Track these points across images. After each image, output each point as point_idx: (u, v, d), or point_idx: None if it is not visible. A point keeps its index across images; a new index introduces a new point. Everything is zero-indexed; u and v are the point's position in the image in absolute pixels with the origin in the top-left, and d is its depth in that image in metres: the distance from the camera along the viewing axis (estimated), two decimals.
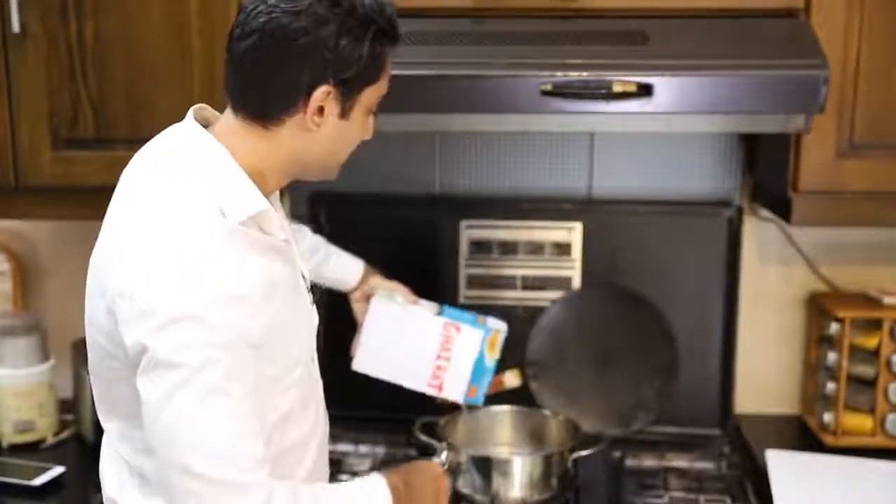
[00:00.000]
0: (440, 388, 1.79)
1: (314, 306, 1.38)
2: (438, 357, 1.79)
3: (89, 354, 1.28)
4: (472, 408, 1.86)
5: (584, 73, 1.53)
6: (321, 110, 1.21)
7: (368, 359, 1.79)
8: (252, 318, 1.15)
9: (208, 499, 1.13)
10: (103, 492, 1.33)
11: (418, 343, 1.79)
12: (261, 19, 1.18)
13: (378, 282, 1.81)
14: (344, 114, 1.24)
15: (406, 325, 1.79)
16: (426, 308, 1.82)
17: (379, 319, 1.79)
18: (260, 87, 1.21)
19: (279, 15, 1.17)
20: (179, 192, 1.19)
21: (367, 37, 1.20)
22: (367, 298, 1.81)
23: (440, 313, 1.82)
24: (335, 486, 1.32)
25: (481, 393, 1.82)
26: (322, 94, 1.20)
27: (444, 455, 1.56)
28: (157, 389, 1.13)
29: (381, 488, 1.29)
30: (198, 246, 1.15)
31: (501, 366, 1.96)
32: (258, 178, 1.23)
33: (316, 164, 1.28)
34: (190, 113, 1.28)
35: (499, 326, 1.84)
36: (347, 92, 1.22)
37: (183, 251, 1.14)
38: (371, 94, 1.25)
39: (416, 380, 1.79)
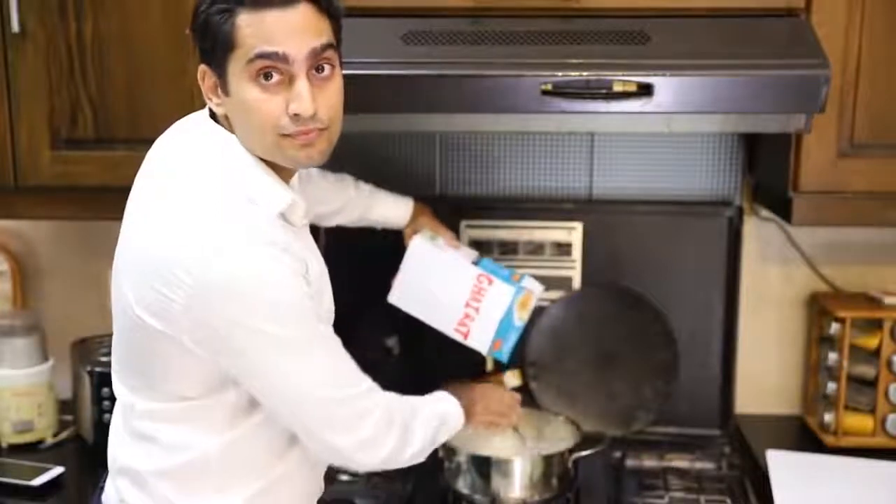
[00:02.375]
0: (466, 335, 1.81)
1: None
2: (468, 305, 1.80)
3: (121, 323, 1.31)
4: (496, 363, 1.89)
5: (585, 73, 1.53)
6: (215, 90, 1.26)
7: (403, 294, 1.82)
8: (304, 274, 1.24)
9: (343, 412, 1.28)
10: (115, 463, 1.38)
11: (451, 287, 1.81)
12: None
13: (426, 221, 1.83)
14: (225, 89, 1.24)
15: (441, 268, 1.81)
16: (464, 255, 1.84)
17: (417, 258, 1.81)
18: None
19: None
20: (219, 190, 1.24)
21: (210, 9, 1.20)
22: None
23: (477, 263, 1.83)
24: (414, 398, 1.45)
25: (507, 348, 1.83)
26: (200, 73, 1.26)
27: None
28: (266, 356, 1.22)
29: (448, 397, 1.48)
30: (257, 235, 1.21)
31: (502, 366, 1.96)
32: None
33: (250, 145, 1.26)
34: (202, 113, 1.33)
35: (532, 287, 1.84)
36: (215, 67, 1.23)
37: (247, 241, 1.20)
38: (239, 66, 1.20)
39: (444, 322, 1.81)
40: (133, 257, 1.27)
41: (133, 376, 1.34)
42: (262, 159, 1.27)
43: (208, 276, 1.17)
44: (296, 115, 1.21)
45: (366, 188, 1.80)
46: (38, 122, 1.77)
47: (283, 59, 1.19)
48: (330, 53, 1.24)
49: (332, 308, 1.38)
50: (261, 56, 1.19)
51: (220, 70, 1.23)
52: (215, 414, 1.29)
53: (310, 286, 1.25)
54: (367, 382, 1.33)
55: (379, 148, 2.08)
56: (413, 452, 1.39)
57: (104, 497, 1.42)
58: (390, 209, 1.83)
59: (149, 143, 1.75)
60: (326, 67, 1.24)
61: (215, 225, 1.20)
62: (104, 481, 1.44)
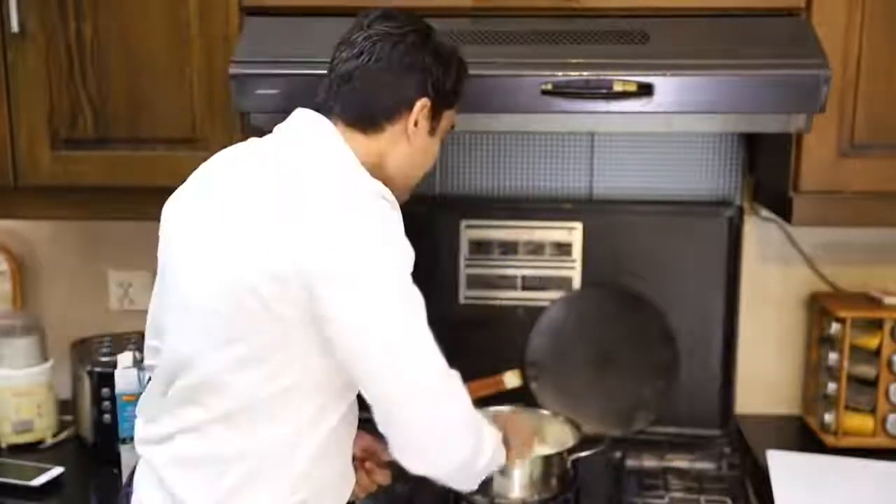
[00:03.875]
0: None
1: None
2: None
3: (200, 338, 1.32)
4: None
5: (585, 73, 1.53)
6: (417, 123, 1.38)
7: None
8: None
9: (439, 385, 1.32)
10: None
11: None
12: (367, 42, 1.35)
13: None
14: (432, 130, 1.41)
15: None
16: None
17: None
18: (365, 97, 1.36)
19: (382, 38, 1.35)
20: (342, 180, 1.31)
21: (454, 63, 1.41)
22: None
23: None
24: None
25: None
26: (421, 105, 1.37)
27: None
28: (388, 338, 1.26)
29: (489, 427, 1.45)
30: (381, 220, 1.29)
31: (502, 367, 1.96)
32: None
33: (397, 176, 1.40)
34: (314, 115, 1.38)
35: None
36: (437, 110, 1.40)
37: (373, 226, 1.27)
38: (448, 119, 1.44)
39: None
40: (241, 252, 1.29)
41: None
42: None
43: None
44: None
45: None
46: (38, 122, 1.77)
47: None
48: None
49: None
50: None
51: (439, 113, 1.41)
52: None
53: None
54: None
55: None
56: (485, 463, 1.39)
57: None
58: None
59: (149, 142, 1.76)
60: None
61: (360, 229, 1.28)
62: (129, 486, 1.45)
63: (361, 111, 1.36)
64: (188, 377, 1.33)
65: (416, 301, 1.29)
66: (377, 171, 1.37)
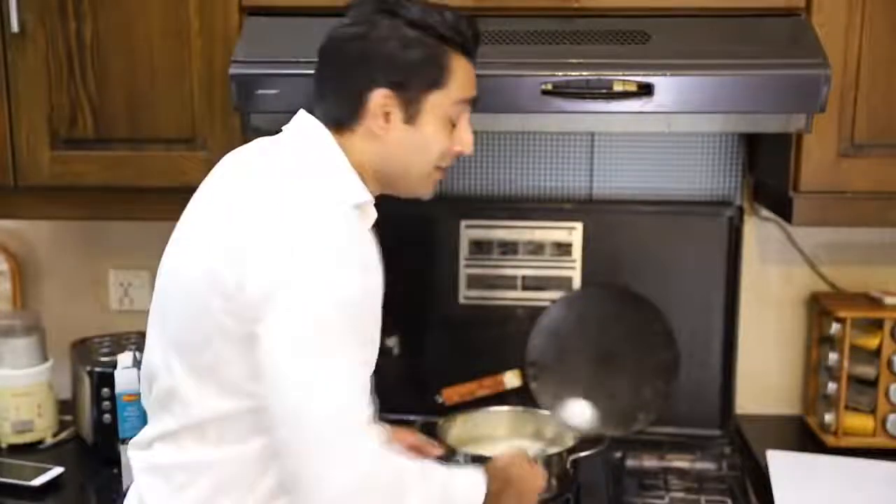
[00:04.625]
0: None
1: None
2: None
3: (177, 334, 1.27)
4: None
5: (585, 73, 1.53)
6: (387, 116, 1.28)
7: None
8: (378, 286, 1.22)
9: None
10: None
11: None
12: (332, 33, 1.30)
13: None
14: (409, 119, 1.29)
15: None
16: None
17: None
18: (328, 94, 1.31)
19: (343, 26, 1.29)
20: (303, 186, 1.23)
21: (422, 42, 1.26)
22: None
23: None
24: (436, 465, 1.34)
25: None
26: (380, 97, 1.26)
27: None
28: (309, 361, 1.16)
29: (478, 476, 1.34)
30: (338, 231, 1.20)
31: (502, 367, 1.96)
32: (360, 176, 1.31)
33: (395, 174, 1.32)
34: (309, 117, 1.33)
35: None
36: (408, 96, 1.27)
37: (328, 237, 1.19)
38: (440, 101, 1.29)
39: None
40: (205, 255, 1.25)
41: None
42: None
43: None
44: (461, 153, 1.35)
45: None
46: (38, 122, 1.77)
47: (470, 103, 1.34)
48: None
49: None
50: (467, 100, 1.33)
51: (410, 100, 1.27)
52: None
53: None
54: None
55: None
56: None
57: None
58: None
59: (149, 142, 1.75)
60: None
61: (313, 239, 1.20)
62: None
63: (326, 115, 1.31)
64: (159, 384, 1.30)
65: (351, 337, 1.17)
66: (377, 170, 1.32)
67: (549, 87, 1.53)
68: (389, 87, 1.27)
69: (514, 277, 2.08)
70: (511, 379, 2.05)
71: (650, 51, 1.58)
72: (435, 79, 1.28)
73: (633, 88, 1.52)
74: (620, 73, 1.53)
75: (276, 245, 1.17)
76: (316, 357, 1.16)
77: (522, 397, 2.02)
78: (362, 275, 1.18)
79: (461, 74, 1.30)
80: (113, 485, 1.78)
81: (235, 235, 1.20)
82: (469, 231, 2.08)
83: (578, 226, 2.06)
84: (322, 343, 1.16)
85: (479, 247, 2.07)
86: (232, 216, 1.23)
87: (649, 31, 1.61)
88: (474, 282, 2.09)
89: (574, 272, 2.07)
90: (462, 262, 2.09)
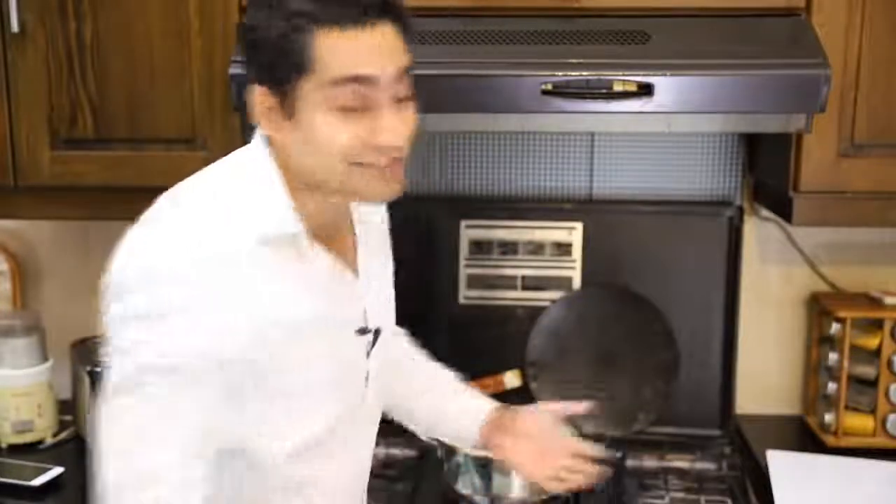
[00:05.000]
0: None
1: (369, 354, 1.28)
2: None
3: None
4: None
5: (585, 73, 1.53)
6: (269, 114, 1.11)
7: None
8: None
9: None
10: None
11: None
12: None
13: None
14: (289, 115, 1.09)
15: None
16: None
17: None
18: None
19: None
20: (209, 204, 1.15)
21: (277, 24, 1.06)
22: None
23: None
24: None
25: None
26: (257, 95, 1.11)
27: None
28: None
29: None
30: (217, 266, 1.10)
31: (502, 367, 1.96)
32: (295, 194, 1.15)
33: (313, 181, 1.13)
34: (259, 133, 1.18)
35: None
36: (281, 89, 1.08)
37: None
38: (313, 87, 1.07)
39: None
40: None
41: None
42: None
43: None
44: (380, 145, 1.09)
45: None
46: (38, 122, 1.77)
47: (370, 83, 1.07)
48: (408, 77, 1.13)
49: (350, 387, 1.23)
50: (348, 80, 1.06)
51: (283, 93, 1.08)
52: None
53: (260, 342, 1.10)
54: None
55: None
56: None
57: None
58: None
59: (149, 142, 1.76)
60: (405, 92, 1.13)
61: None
62: None
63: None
64: None
65: (168, 400, 1.07)
66: (301, 180, 1.15)
67: (549, 87, 1.53)
68: (260, 83, 1.10)
69: (514, 277, 2.08)
70: (511, 379, 2.05)
71: (650, 51, 1.58)
72: (297, 63, 1.06)
73: (633, 88, 1.52)
74: (620, 73, 1.53)
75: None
76: (117, 413, 1.10)
77: (522, 397, 2.02)
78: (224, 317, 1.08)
79: (332, 52, 1.06)
80: None
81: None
82: (469, 231, 2.08)
83: (578, 226, 2.06)
84: (121, 403, 1.10)
85: (479, 247, 2.07)
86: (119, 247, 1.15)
87: (649, 31, 1.61)
88: (474, 282, 2.09)
89: (574, 272, 2.07)
90: (462, 262, 2.09)
